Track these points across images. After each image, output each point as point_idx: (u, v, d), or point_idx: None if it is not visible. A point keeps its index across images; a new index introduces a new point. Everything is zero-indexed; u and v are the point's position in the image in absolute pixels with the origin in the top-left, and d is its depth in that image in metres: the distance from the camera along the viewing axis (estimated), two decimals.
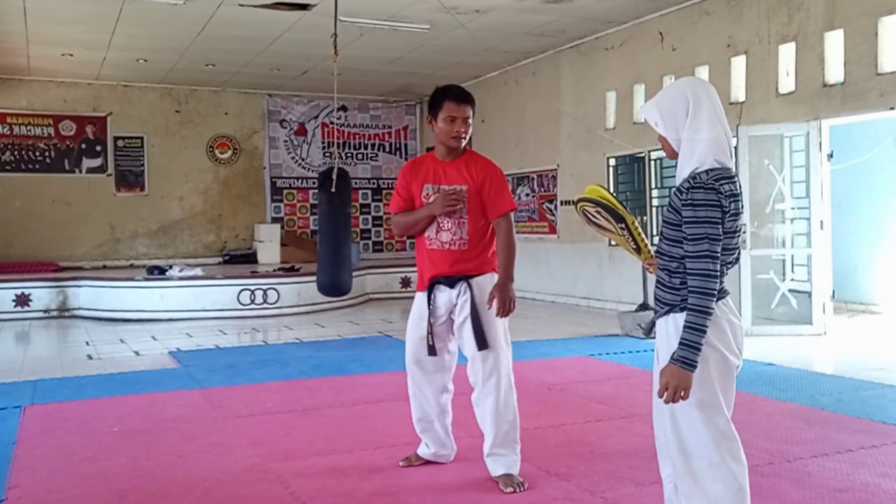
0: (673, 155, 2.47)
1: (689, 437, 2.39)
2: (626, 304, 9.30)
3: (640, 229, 2.70)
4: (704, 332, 2.29)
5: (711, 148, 2.35)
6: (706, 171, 2.34)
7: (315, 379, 6.10)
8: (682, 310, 2.36)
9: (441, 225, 3.52)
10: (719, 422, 2.37)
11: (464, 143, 3.55)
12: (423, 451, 3.81)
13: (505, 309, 3.48)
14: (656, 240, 10.28)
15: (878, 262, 9.47)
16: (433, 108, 3.57)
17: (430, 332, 3.54)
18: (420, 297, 3.63)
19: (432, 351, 3.56)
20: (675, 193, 2.42)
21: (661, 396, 2.32)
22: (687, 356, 2.28)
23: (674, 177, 2.56)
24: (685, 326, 2.30)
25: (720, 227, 2.30)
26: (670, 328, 2.40)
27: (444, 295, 3.55)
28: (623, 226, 2.67)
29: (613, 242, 2.85)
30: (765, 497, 3.30)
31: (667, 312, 2.41)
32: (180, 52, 11.03)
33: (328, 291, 5.32)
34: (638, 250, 2.71)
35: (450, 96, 3.52)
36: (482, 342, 3.49)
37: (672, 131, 2.43)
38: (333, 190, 4.97)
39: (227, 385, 5.89)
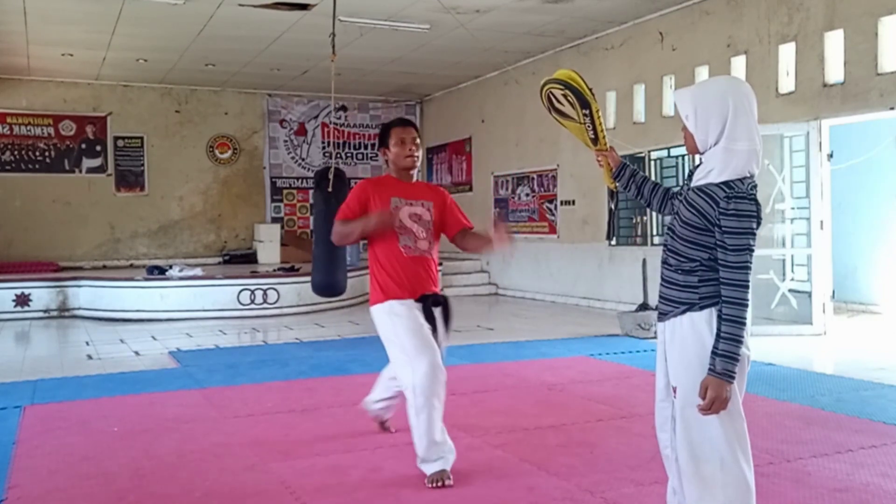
0: (693, 150, 2.42)
1: (701, 439, 2.36)
2: (626, 304, 9.30)
3: (602, 118, 2.71)
4: (742, 341, 2.28)
5: (751, 159, 2.33)
6: (741, 180, 2.31)
7: (315, 379, 6.10)
8: (701, 308, 2.34)
9: (417, 233, 3.72)
10: (736, 423, 2.35)
11: (418, 163, 3.82)
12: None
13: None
14: (657, 239, 10.17)
15: (878, 262, 9.47)
16: (382, 140, 3.85)
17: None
18: (408, 306, 3.67)
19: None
20: (701, 196, 2.36)
21: (704, 409, 2.28)
22: (731, 369, 2.26)
23: (674, 177, 2.55)
24: (724, 338, 2.27)
25: (756, 236, 2.31)
26: (686, 328, 2.38)
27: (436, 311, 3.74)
28: (587, 112, 2.68)
29: (570, 133, 2.88)
30: (765, 497, 3.30)
31: (683, 311, 2.38)
32: (180, 52, 11.03)
33: (323, 292, 5.31)
34: (595, 140, 2.73)
35: (394, 124, 3.85)
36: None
37: (702, 132, 2.37)
38: (330, 189, 4.96)
39: (227, 385, 5.89)
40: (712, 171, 2.36)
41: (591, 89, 2.75)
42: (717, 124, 2.34)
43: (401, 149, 3.77)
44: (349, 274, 11.10)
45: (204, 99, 13.85)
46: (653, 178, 9.56)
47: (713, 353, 2.29)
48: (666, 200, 2.67)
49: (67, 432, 4.57)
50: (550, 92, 2.79)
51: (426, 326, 3.64)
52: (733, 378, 2.27)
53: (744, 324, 2.27)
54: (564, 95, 2.74)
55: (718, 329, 2.30)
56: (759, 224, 2.31)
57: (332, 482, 3.63)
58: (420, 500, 3.40)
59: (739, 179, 2.31)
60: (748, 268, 2.28)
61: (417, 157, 3.81)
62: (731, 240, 2.28)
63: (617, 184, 2.80)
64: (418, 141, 3.83)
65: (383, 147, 3.86)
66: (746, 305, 2.28)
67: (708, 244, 2.34)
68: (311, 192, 14.45)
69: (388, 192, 3.76)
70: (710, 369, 2.29)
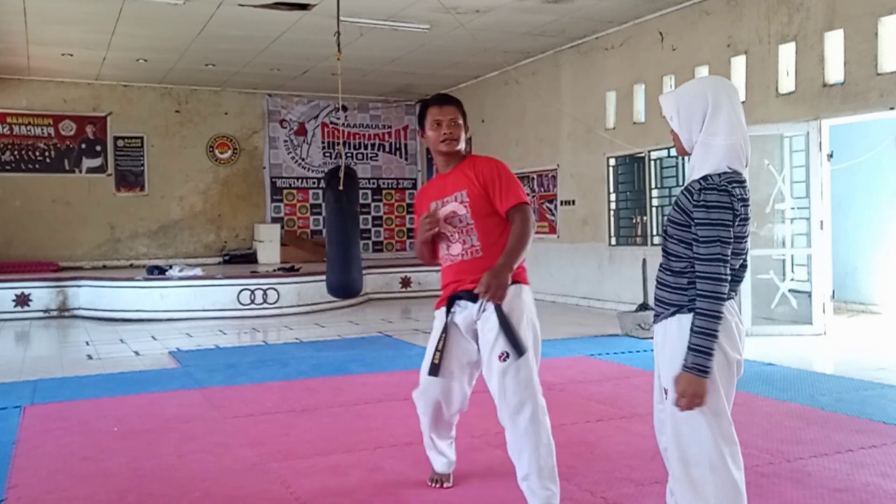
0: (682, 152, 2.44)
1: (690, 442, 2.36)
2: (626, 304, 9.30)
3: None
4: (716, 336, 2.25)
5: (727, 155, 2.32)
6: (718, 175, 2.31)
7: (315, 379, 6.10)
8: (689, 311, 2.33)
9: (450, 238, 3.28)
10: (723, 425, 2.34)
11: (458, 146, 3.33)
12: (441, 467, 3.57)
13: (488, 293, 3.06)
14: (657, 239, 10.20)
15: (878, 262, 9.47)
16: (420, 121, 3.43)
17: (440, 350, 3.24)
18: (437, 315, 3.34)
19: (434, 370, 3.24)
20: (683, 193, 2.38)
21: (677, 405, 2.28)
22: (702, 363, 2.24)
23: (674, 177, 2.55)
24: (695, 332, 2.25)
25: (731, 229, 2.27)
26: (672, 329, 2.38)
27: (465, 312, 3.22)
28: None
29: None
30: (765, 497, 3.30)
31: (673, 313, 2.38)
32: (180, 52, 11.03)
33: (338, 292, 5.27)
34: None
35: (431, 103, 3.40)
36: (519, 348, 3.07)
37: (685, 130, 2.38)
38: (341, 188, 4.94)
39: (227, 385, 5.89)
40: (694, 168, 2.38)
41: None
42: (697, 121, 2.35)
43: (436, 132, 3.31)
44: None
45: (204, 99, 13.85)
46: (653, 177, 9.57)
47: (688, 347, 2.28)
48: None
49: (67, 432, 4.57)
50: None
51: (439, 341, 3.26)
52: (706, 373, 2.25)
53: (717, 318, 2.25)
54: None
55: (692, 323, 2.29)
56: (736, 217, 2.28)
57: (332, 482, 3.63)
58: (420, 500, 3.40)
59: (718, 174, 2.31)
60: (721, 260, 2.25)
61: (457, 139, 3.31)
62: (702, 231, 2.27)
63: None
64: (460, 120, 3.34)
65: (421, 130, 3.43)
66: (720, 299, 2.26)
67: (689, 240, 2.34)
68: (311, 192, 14.49)
69: (429, 196, 3.38)
70: (683, 364, 2.28)
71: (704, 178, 2.32)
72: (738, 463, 2.37)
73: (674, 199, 2.51)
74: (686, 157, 2.48)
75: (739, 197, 2.30)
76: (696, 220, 2.29)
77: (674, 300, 2.38)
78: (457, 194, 3.27)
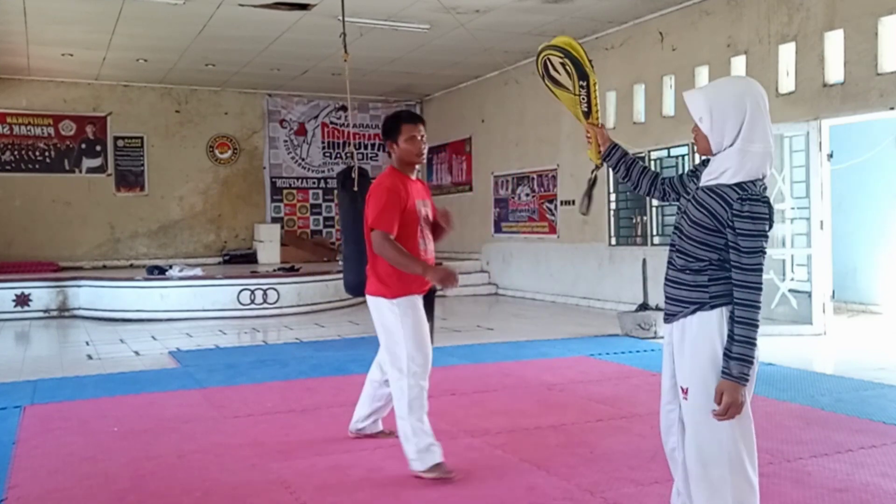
0: (706, 152, 2.40)
1: (709, 442, 2.35)
2: (626, 304, 9.30)
3: (598, 91, 2.71)
4: (756, 344, 2.27)
5: (765, 161, 2.32)
6: (753, 183, 2.31)
7: (315, 379, 6.10)
8: (711, 307, 2.33)
9: (426, 237, 3.80)
10: (744, 424, 2.35)
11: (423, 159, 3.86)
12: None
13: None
14: (657, 239, 10.16)
15: (878, 262, 9.47)
16: (391, 133, 3.78)
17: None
18: (419, 302, 3.74)
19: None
20: (711, 196, 2.34)
21: (720, 415, 2.28)
22: (746, 371, 2.26)
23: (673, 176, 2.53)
24: (738, 341, 2.26)
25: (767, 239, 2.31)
26: (693, 327, 2.37)
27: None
28: (584, 84, 2.66)
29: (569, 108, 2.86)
30: (765, 497, 3.28)
31: (693, 311, 2.37)
32: (180, 52, 11.03)
33: (356, 291, 5.36)
34: (588, 114, 2.73)
35: (405, 119, 3.80)
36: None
37: (717, 133, 2.34)
38: (356, 188, 5.04)
39: (227, 385, 5.89)
40: (725, 172, 2.33)
41: (590, 60, 2.73)
42: (733, 126, 2.32)
43: (412, 146, 3.76)
44: None
45: (204, 99, 13.85)
46: None
47: (727, 356, 2.28)
48: (656, 184, 2.68)
49: (67, 432, 4.57)
50: (548, 58, 2.76)
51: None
52: (747, 381, 2.27)
53: (757, 326, 2.26)
54: (563, 64, 2.72)
55: (731, 332, 2.28)
56: (771, 226, 2.31)
57: (332, 482, 3.63)
58: (420, 499, 3.40)
59: (752, 181, 2.30)
60: (761, 270, 2.28)
61: (425, 153, 3.86)
62: (745, 242, 2.27)
63: (605, 163, 2.80)
64: (426, 136, 3.84)
65: (390, 140, 3.81)
66: (759, 307, 2.27)
67: (718, 245, 2.33)
68: (311, 192, 14.50)
69: (411, 195, 3.75)
70: (724, 373, 2.28)
71: (741, 186, 2.30)
72: (754, 464, 2.36)
73: (692, 196, 2.48)
74: (702, 156, 2.46)
75: (771, 205, 2.33)
76: (738, 230, 2.28)
77: (694, 298, 2.37)
78: (427, 201, 3.90)
